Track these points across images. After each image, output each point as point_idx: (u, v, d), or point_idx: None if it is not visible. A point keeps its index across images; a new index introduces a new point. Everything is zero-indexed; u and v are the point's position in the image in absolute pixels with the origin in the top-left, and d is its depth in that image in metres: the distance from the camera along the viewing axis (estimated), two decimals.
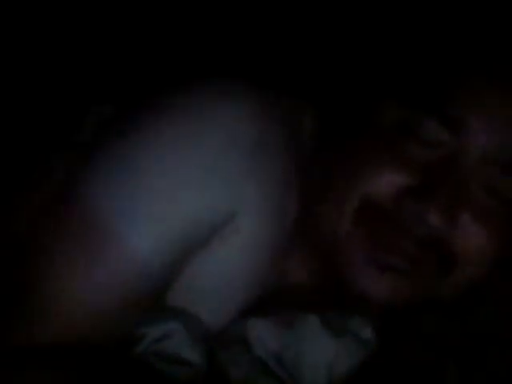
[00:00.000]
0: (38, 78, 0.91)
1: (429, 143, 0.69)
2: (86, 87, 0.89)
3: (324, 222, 0.71)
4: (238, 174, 0.68)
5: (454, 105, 0.69)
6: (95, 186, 0.67)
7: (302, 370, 0.69)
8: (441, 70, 0.72)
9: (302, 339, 0.69)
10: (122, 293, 0.66)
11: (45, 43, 0.95)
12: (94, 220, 0.66)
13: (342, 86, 0.82)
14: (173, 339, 0.68)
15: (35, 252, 0.68)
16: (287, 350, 0.69)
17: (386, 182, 0.68)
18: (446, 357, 0.70)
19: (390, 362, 0.70)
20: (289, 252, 0.74)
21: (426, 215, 0.66)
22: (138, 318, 0.68)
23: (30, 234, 0.69)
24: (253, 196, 0.69)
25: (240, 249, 0.70)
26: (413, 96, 0.71)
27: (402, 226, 0.68)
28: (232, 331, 0.71)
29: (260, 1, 0.99)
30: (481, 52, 0.72)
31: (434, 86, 0.71)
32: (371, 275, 0.68)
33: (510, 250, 0.71)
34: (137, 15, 0.98)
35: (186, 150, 0.67)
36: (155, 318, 0.69)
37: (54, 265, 0.66)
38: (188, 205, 0.67)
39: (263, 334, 0.69)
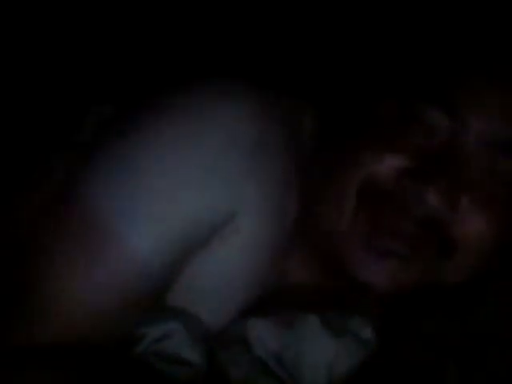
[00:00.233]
0: (38, 78, 0.91)
1: (429, 129, 0.69)
2: (86, 87, 0.89)
3: (325, 217, 0.71)
4: (238, 174, 0.68)
5: (453, 90, 0.69)
6: (95, 186, 0.67)
7: (302, 369, 0.69)
8: (440, 63, 0.72)
9: (302, 339, 0.69)
10: (122, 293, 0.66)
11: (45, 43, 0.95)
12: (93, 220, 0.66)
13: (342, 85, 0.83)
14: (173, 339, 0.68)
15: (35, 252, 0.68)
16: (287, 349, 0.69)
17: (387, 166, 0.68)
18: (446, 357, 0.70)
19: (390, 361, 0.70)
20: (289, 252, 0.74)
21: (425, 195, 0.66)
22: (138, 318, 0.68)
23: (30, 233, 0.69)
24: (253, 196, 0.69)
25: (240, 249, 0.70)
26: (413, 89, 0.71)
27: (402, 206, 0.67)
28: (232, 331, 0.71)
29: (260, 1, 0.99)
30: (478, 45, 0.72)
31: (434, 77, 0.71)
32: (372, 263, 0.68)
33: (510, 235, 0.71)
34: (137, 15, 0.99)
35: (186, 150, 0.67)
36: (155, 317, 0.69)
37: (54, 265, 0.66)
38: (188, 205, 0.67)
39: (263, 334, 0.69)
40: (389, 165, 0.68)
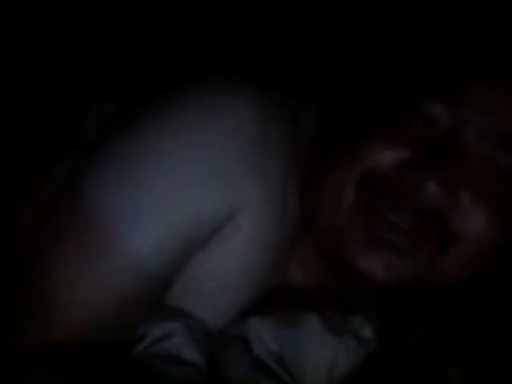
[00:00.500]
0: (39, 78, 0.91)
1: (429, 121, 0.68)
2: (87, 86, 0.88)
3: (324, 208, 0.70)
4: (238, 174, 0.68)
5: (453, 82, 0.69)
6: (95, 186, 0.67)
7: (302, 369, 0.69)
8: (441, 55, 0.71)
9: (302, 339, 0.69)
10: (122, 293, 0.66)
11: (46, 43, 0.95)
12: (94, 220, 0.66)
13: (342, 78, 0.83)
14: (173, 339, 0.68)
15: (35, 252, 0.68)
16: (287, 349, 0.69)
17: (387, 157, 0.68)
18: (447, 357, 0.70)
19: (390, 361, 0.70)
20: (289, 252, 0.74)
21: (425, 187, 0.66)
22: (138, 318, 0.68)
23: (30, 233, 0.69)
24: (253, 195, 0.69)
25: (240, 248, 0.70)
26: (413, 81, 0.71)
27: (401, 198, 0.67)
28: (232, 331, 0.71)
29: (260, 0, 0.99)
30: (480, 37, 0.71)
31: (434, 69, 0.70)
32: (370, 253, 0.67)
33: (510, 230, 0.70)
34: (140, 14, 0.98)
35: (187, 150, 0.67)
36: (155, 317, 0.69)
37: (53, 265, 0.66)
38: (188, 205, 0.67)
39: (263, 334, 0.69)
40: (389, 156, 0.68)
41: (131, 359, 0.67)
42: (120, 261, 0.65)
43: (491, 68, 0.69)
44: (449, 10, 0.75)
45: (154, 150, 0.67)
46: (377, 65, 0.77)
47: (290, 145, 0.72)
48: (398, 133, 0.69)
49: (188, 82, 0.71)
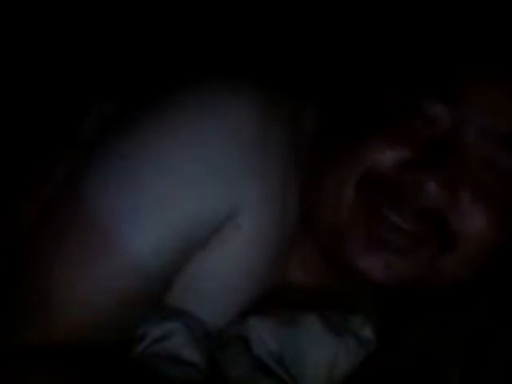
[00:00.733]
0: (39, 78, 0.91)
1: (429, 121, 0.68)
2: (87, 86, 0.88)
3: (324, 208, 0.70)
4: (238, 174, 0.68)
5: (453, 82, 0.69)
6: (96, 186, 0.67)
7: (302, 369, 0.69)
8: (441, 55, 0.71)
9: (302, 339, 0.69)
10: (122, 293, 0.66)
11: (46, 43, 0.95)
12: (94, 220, 0.66)
13: (342, 78, 0.83)
14: (173, 339, 0.68)
15: (35, 252, 0.68)
16: (287, 349, 0.69)
17: (387, 157, 0.68)
18: (447, 356, 0.70)
19: (390, 361, 0.70)
20: (289, 252, 0.74)
21: (425, 187, 0.66)
22: (138, 318, 0.68)
23: (30, 233, 0.69)
24: (253, 195, 0.69)
25: (240, 248, 0.70)
26: (413, 81, 0.71)
27: (402, 198, 0.67)
28: (232, 331, 0.71)
29: (260, 0, 0.99)
30: (480, 37, 0.71)
31: (434, 69, 0.70)
32: (370, 252, 0.67)
33: (510, 231, 0.70)
34: (140, 14, 0.98)
35: (187, 150, 0.67)
36: (155, 317, 0.69)
37: (54, 265, 0.66)
38: (188, 205, 0.67)
39: (263, 334, 0.69)
40: (389, 156, 0.68)
41: (131, 359, 0.67)
42: (120, 261, 0.65)
43: (491, 68, 0.69)
44: (449, 10, 0.75)
45: (153, 150, 0.67)
46: (377, 65, 0.77)
47: (290, 145, 0.72)
48: (398, 133, 0.69)
49: (188, 81, 0.71)
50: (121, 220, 0.66)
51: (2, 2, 0.92)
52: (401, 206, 0.67)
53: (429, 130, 0.68)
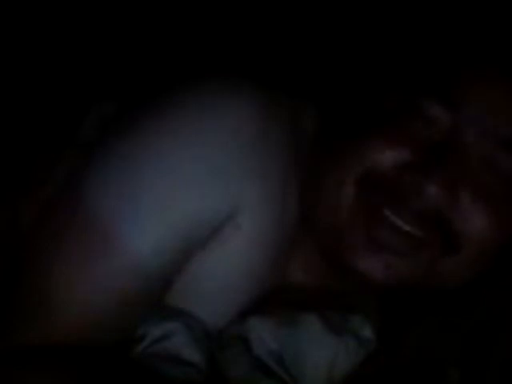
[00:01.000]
0: (39, 78, 0.91)
1: (429, 122, 0.68)
2: (87, 86, 0.88)
3: (324, 207, 0.70)
4: (238, 174, 0.68)
5: (454, 84, 0.68)
6: (96, 186, 0.67)
7: (302, 369, 0.69)
8: (441, 56, 0.71)
9: (302, 339, 0.69)
10: (122, 293, 0.66)
11: (46, 43, 0.95)
12: (94, 220, 0.66)
13: (343, 79, 0.83)
14: (173, 339, 0.68)
15: (35, 252, 0.68)
16: (287, 349, 0.69)
17: (387, 158, 0.68)
18: (447, 357, 0.70)
19: (390, 361, 0.70)
20: (289, 252, 0.74)
21: (425, 188, 0.66)
22: (138, 318, 0.68)
23: (30, 233, 0.69)
24: (253, 195, 0.69)
25: (240, 248, 0.70)
26: (414, 82, 0.71)
27: (402, 196, 0.67)
28: (232, 331, 0.71)
29: (260, 0, 0.99)
30: (481, 38, 0.71)
31: (434, 70, 0.70)
32: (370, 254, 0.67)
33: (510, 232, 0.70)
34: (140, 14, 0.98)
35: (187, 150, 0.67)
36: (155, 317, 0.69)
37: (54, 265, 0.66)
38: (188, 205, 0.67)
39: (263, 334, 0.69)
40: (389, 156, 0.68)
41: (131, 359, 0.67)
42: (120, 261, 0.65)
43: (491, 68, 0.69)
44: (449, 10, 0.75)
45: (153, 150, 0.67)
46: (377, 65, 0.77)
47: (290, 145, 0.72)
48: (398, 133, 0.69)
49: (188, 81, 0.71)
50: (121, 220, 0.66)
51: (1, 2, 0.92)
52: (401, 206, 0.67)
53: (429, 130, 0.68)
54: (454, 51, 0.71)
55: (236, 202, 0.68)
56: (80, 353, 0.65)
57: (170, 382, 0.66)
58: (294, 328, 0.70)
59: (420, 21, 0.77)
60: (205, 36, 0.98)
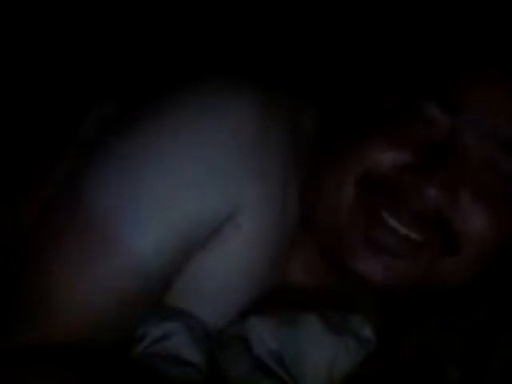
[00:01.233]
0: (39, 78, 0.91)
1: (429, 123, 0.68)
2: (87, 86, 0.88)
3: (324, 207, 0.70)
4: (238, 174, 0.68)
5: (453, 85, 0.68)
6: (96, 186, 0.67)
7: (302, 369, 0.69)
8: (441, 57, 0.71)
9: (302, 339, 0.69)
10: (122, 293, 0.66)
11: (46, 43, 0.95)
12: (94, 220, 0.66)
13: (343, 79, 0.83)
14: (173, 339, 0.68)
15: (35, 252, 0.68)
16: (287, 349, 0.69)
17: (388, 156, 0.68)
18: (447, 357, 0.70)
19: (390, 361, 0.70)
20: (289, 252, 0.74)
21: (425, 189, 0.66)
22: (138, 318, 0.68)
23: (30, 233, 0.69)
24: (253, 195, 0.69)
25: (240, 248, 0.70)
26: (413, 83, 0.71)
27: (402, 198, 0.67)
28: (232, 331, 0.71)
29: (260, 0, 0.99)
30: (481, 40, 0.71)
31: (434, 71, 0.70)
32: (369, 255, 0.67)
33: (510, 233, 0.70)
34: (140, 14, 0.98)
35: (187, 150, 0.67)
36: (155, 317, 0.69)
37: (54, 265, 0.66)
38: (188, 205, 0.67)
39: (263, 334, 0.69)
40: (389, 157, 0.68)
41: (131, 359, 0.67)
42: (120, 261, 0.65)
43: (491, 68, 0.69)
44: (449, 10, 0.75)
45: (153, 150, 0.67)
46: (377, 65, 0.77)
47: (290, 145, 0.72)
48: (398, 133, 0.69)
49: (188, 81, 0.71)
50: (121, 220, 0.66)
51: (1, 2, 0.92)
52: (400, 208, 0.67)
53: (429, 130, 0.68)
54: (454, 51, 0.71)
55: (236, 202, 0.68)
56: (80, 353, 0.65)
57: (170, 382, 0.66)
58: (294, 328, 0.70)
59: (420, 21, 0.77)
60: (205, 36, 0.98)
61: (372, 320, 0.71)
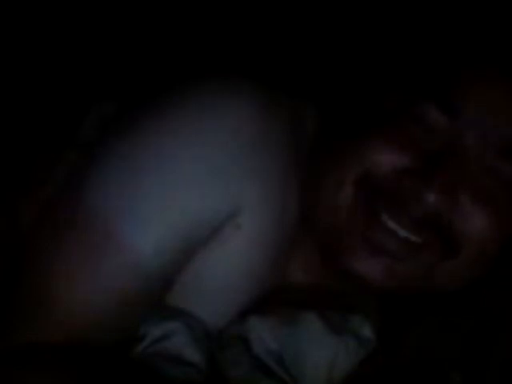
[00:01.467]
0: (39, 78, 0.91)
1: (429, 126, 0.68)
2: (87, 86, 0.88)
3: (323, 208, 0.70)
4: (238, 173, 0.68)
5: (453, 88, 0.68)
6: (96, 186, 0.67)
7: (302, 369, 0.69)
8: (441, 60, 0.71)
9: (302, 339, 0.69)
10: (122, 293, 0.66)
11: (46, 43, 0.95)
12: (94, 220, 0.66)
13: (343, 81, 0.83)
14: (173, 339, 0.68)
15: (35, 252, 0.68)
16: (287, 349, 0.69)
17: (387, 157, 0.68)
18: (447, 357, 0.70)
19: (390, 361, 0.70)
20: (289, 252, 0.74)
21: (424, 193, 0.66)
22: (138, 318, 0.68)
23: (30, 233, 0.69)
24: (254, 195, 0.69)
25: (240, 248, 0.70)
26: (413, 86, 0.71)
27: (401, 201, 0.67)
28: (232, 331, 0.71)
29: (261, 0, 0.99)
30: (481, 43, 0.71)
31: (434, 75, 0.70)
32: (368, 256, 0.67)
33: (510, 237, 0.70)
34: (140, 14, 0.98)
35: (187, 150, 0.67)
36: (155, 317, 0.69)
37: (53, 265, 0.66)
38: (188, 205, 0.67)
39: (263, 334, 0.69)
40: (388, 159, 0.68)
41: (131, 359, 0.67)
42: (120, 261, 0.65)
43: (491, 68, 0.69)
44: (449, 10, 0.75)
45: (154, 150, 0.67)
46: (377, 65, 0.77)
47: (290, 145, 0.72)
48: (398, 134, 0.69)
49: (188, 81, 0.71)
50: (121, 220, 0.66)
51: (1, 2, 0.92)
52: (399, 211, 0.67)
53: (429, 131, 0.68)
54: (454, 51, 0.71)
55: (236, 202, 0.68)
56: (80, 353, 0.65)
57: (170, 381, 0.66)
58: (293, 328, 0.70)
59: (420, 21, 0.77)
60: (205, 36, 0.98)
61: (372, 320, 0.71)
